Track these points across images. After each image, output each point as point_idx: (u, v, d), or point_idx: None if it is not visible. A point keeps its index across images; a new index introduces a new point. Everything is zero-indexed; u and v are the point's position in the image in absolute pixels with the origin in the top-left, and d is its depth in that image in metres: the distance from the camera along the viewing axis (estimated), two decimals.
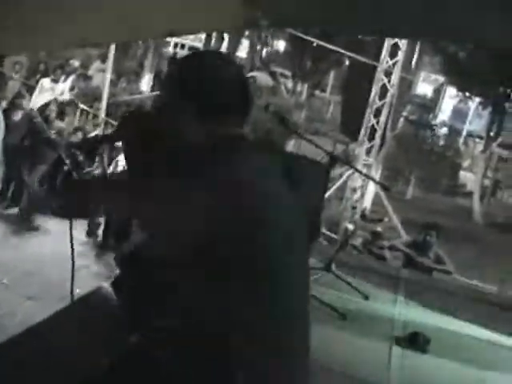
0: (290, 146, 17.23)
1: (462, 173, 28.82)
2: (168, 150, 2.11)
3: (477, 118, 32.29)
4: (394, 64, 15.53)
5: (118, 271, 6.26)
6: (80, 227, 8.82)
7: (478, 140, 31.93)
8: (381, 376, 4.48)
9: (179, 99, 2.04)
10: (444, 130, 32.12)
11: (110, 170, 9.15)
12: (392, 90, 15.74)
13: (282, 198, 2.04)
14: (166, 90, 2.15)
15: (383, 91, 15.70)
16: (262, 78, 9.02)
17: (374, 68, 16.13)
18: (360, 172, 10.66)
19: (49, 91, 13.55)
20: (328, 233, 12.33)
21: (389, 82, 15.61)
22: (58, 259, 6.24)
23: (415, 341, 5.13)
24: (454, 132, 32.40)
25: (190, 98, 2.02)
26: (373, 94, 15.83)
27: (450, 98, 33.61)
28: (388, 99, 15.74)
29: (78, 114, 14.90)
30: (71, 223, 2.31)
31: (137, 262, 3.40)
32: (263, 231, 1.92)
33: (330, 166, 5.48)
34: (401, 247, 9.25)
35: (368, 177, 11.18)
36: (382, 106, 15.72)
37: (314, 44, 22.63)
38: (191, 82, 2.04)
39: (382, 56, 15.60)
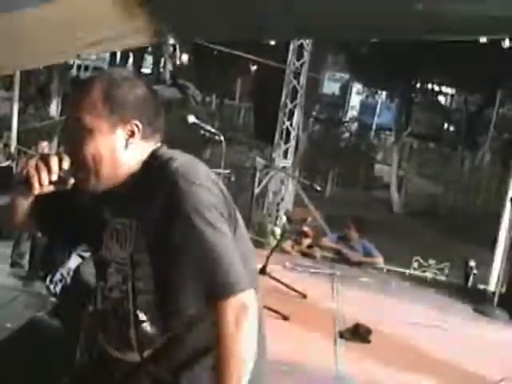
0: (207, 155, 17.22)
1: (377, 166, 29.38)
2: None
3: (385, 110, 33.04)
4: (301, 65, 15.72)
5: (53, 300, 6.14)
6: (4, 258, 8.63)
7: (388, 132, 32.66)
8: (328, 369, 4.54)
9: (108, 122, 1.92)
10: (355, 126, 32.71)
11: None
12: (301, 91, 15.93)
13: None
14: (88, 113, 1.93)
15: (293, 93, 15.88)
16: (169, 91, 8.97)
17: (282, 71, 16.30)
18: (289, 175, 10.72)
19: None
20: (256, 237, 12.39)
21: (298, 83, 15.80)
22: None
23: (357, 332, 5.22)
24: (364, 127, 33.01)
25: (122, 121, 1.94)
26: (284, 96, 16.00)
27: (357, 93, 34.29)
28: (299, 100, 15.93)
29: None
30: None
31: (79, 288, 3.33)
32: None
33: (254, 171, 5.54)
34: (329, 244, 9.37)
35: (293, 177, 11.27)
36: (294, 107, 15.90)
37: (220, 52, 22.69)
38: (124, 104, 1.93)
39: (289, 58, 15.78)
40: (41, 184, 1.90)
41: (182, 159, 1.93)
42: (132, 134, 1.94)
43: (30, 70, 19.52)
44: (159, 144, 2.02)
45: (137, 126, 1.94)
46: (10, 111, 15.17)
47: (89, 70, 30.71)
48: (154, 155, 1.98)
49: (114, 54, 28.18)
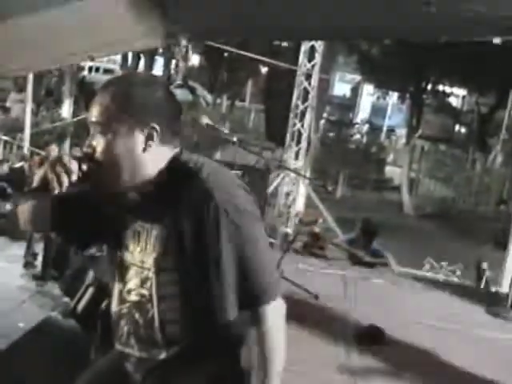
0: (218, 156, 17.25)
1: (387, 168, 29.32)
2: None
3: (396, 112, 32.99)
4: (312, 66, 15.69)
5: (66, 300, 6.14)
6: (17, 259, 8.65)
7: (399, 134, 32.60)
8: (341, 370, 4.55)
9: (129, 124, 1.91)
10: (366, 128, 32.64)
11: None
12: (313, 93, 15.90)
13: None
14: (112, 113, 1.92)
15: (305, 94, 15.84)
16: (180, 93, 8.98)
17: (293, 72, 16.29)
18: (303, 176, 10.72)
19: None
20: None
21: (309, 84, 15.77)
22: None
23: (371, 334, 5.21)
24: (375, 128, 32.95)
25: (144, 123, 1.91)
26: (295, 97, 15.96)
27: (368, 95, 34.19)
28: (310, 102, 15.90)
29: (1, 146, 14.62)
30: None
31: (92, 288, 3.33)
32: None
33: (267, 171, 5.55)
34: (340, 245, 9.39)
35: (305, 177, 11.28)
36: (305, 109, 15.86)
37: (231, 54, 22.73)
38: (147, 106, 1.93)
39: (300, 59, 15.75)
40: (60, 186, 1.89)
41: (209, 166, 1.95)
42: (150, 137, 1.92)
43: (41, 72, 19.61)
44: (178, 148, 2.00)
45: (155, 129, 1.92)
46: (23, 113, 15.24)
47: (100, 72, 30.78)
48: (177, 161, 1.97)
49: (125, 56, 28.19)
